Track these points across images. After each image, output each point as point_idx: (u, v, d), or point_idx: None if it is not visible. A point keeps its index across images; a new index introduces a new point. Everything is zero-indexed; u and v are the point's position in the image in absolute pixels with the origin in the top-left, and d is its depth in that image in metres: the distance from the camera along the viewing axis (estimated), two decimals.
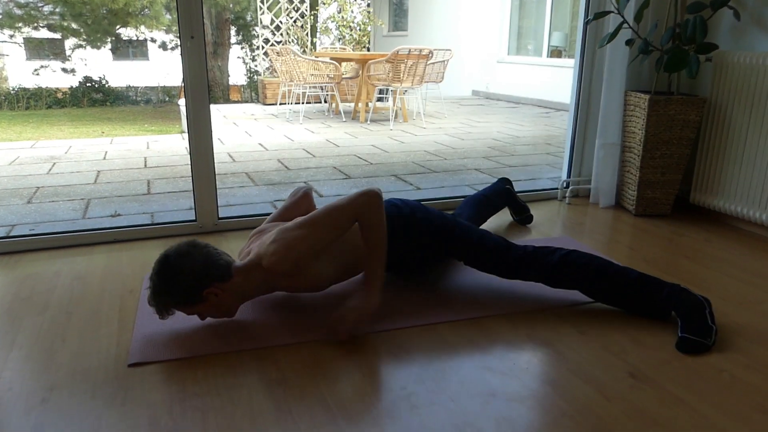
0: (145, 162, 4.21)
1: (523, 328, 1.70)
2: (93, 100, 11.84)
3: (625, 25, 2.59)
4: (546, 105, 8.12)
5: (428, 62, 6.09)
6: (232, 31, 13.53)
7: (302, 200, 2.01)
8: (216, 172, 2.44)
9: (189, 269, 1.55)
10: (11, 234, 2.57)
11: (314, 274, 1.65)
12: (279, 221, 1.90)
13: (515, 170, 3.96)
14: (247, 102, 10.32)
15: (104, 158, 4.35)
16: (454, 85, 9.96)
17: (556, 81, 8.22)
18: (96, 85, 11.90)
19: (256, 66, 10.26)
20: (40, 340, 1.62)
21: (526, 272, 1.82)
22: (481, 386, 1.42)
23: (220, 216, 2.51)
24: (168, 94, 12.96)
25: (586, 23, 2.82)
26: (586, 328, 1.71)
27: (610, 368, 1.51)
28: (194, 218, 2.47)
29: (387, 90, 6.94)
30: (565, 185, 3.10)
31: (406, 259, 1.92)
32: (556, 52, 8.82)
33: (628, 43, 2.66)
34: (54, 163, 4.14)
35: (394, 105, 6.46)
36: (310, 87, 6.70)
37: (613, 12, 2.61)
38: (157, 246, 2.33)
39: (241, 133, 5.63)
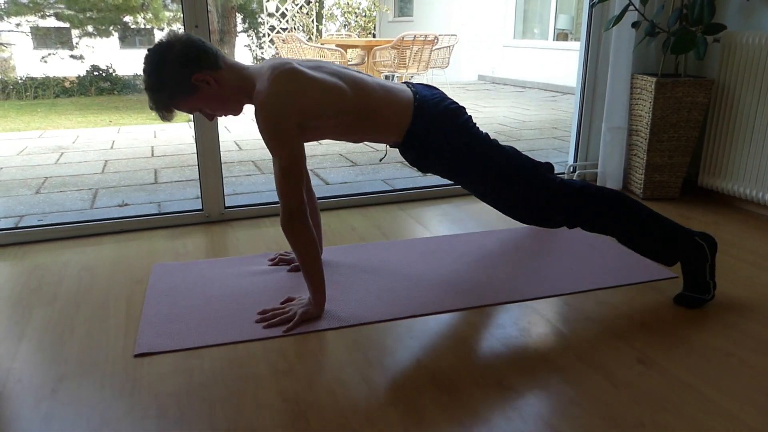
0: (152, 151, 4.22)
1: (529, 314, 1.70)
2: (100, 88, 11.85)
3: (631, 7, 2.55)
4: (552, 89, 8.05)
5: (434, 48, 6.04)
6: (239, 19, 13.46)
7: None
8: (222, 161, 2.44)
9: (172, 56, 1.51)
10: (20, 224, 2.59)
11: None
12: None
13: None
14: None
15: (111, 147, 4.36)
16: (460, 70, 9.89)
17: (563, 64, 8.15)
18: (103, 74, 11.90)
19: (262, 53, 10.21)
20: (49, 331, 1.63)
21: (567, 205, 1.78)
22: (487, 373, 1.42)
23: (226, 205, 2.52)
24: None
25: (591, 6, 2.79)
26: (593, 314, 1.71)
27: (617, 354, 1.50)
28: (201, 207, 2.48)
29: (393, 76, 6.89)
30: (571, 169, 3.08)
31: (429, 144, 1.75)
32: (562, 36, 8.72)
33: (635, 25, 2.62)
34: (62, 153, 4.16)
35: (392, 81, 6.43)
36: None
37: None
38: (164, 236, 2.34)
39: (247, 121, 5.62)
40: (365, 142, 1.77)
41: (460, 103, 1.82)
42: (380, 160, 2.44)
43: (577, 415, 1.27)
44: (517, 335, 1.60)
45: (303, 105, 1.57)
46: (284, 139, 1.55)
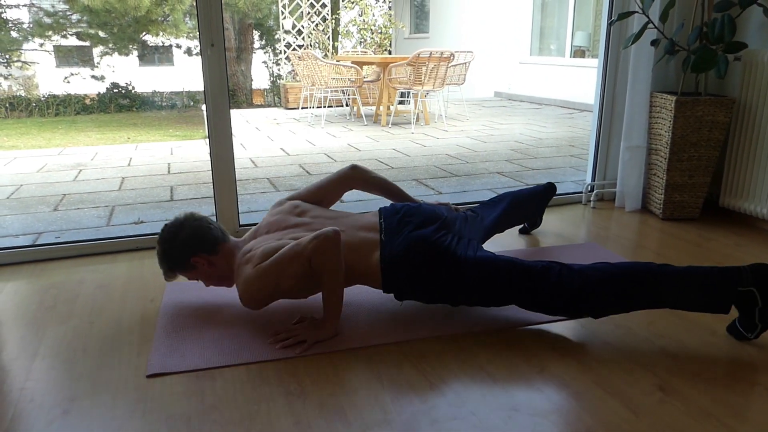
0: (169, 168, 4.25)
1: (546, 339, 1.67)
2: (120, 105, 12.05)
3: (650, 25, 2.53)
4: (569, 106, 8.02)
5: (450, 65, 6.05)
6: (255, 36, 13.64)
7: (346, 180, 2.00)
8: (238, 178, 2.44)
9: (178, 240, 1.79)
10: (38, 241, 2.62)
11: (283, 293, 1.71)
12: (311, 196, 1.99)
13: (538, 173, 3.91)
14: (269, 106, 10.39)
15: (129, 164, 4.41)
16: (476, 87, 9.90)
17: (580, 81, 8.12)
18: (123, 91, 12.10)
19: (279, 70, 10.32)
20: (63, 350, 1.63)
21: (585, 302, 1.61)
22: (503, 400, 1.39)
23: (241, 223, 2.52)
24: (192, 98, 13.12)
25: (609, 24, 2.77)
26: (612, 339, 1.67)
27: (637, 381, 1.46)
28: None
29: (408, 93, 6.91)
30: (589, 189, 3.04)
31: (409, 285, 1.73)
32: (579, 52, 8.70)
33: (654, 43, 2.60)
34: (80, 170, 4.21)
35: (415, 108, 6.43)
36: (331, 91, 6.71)
37: (637, 12, 2.55)
38: None
39: (263, 138, 5.66)
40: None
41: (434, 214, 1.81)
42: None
43: None
44: (532, 359, 1.56)
45: (275, 291, 1.70)
46: (264, 272, 1.67)
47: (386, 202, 2.44)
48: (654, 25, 2.54)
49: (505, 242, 2.44)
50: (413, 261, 1.69)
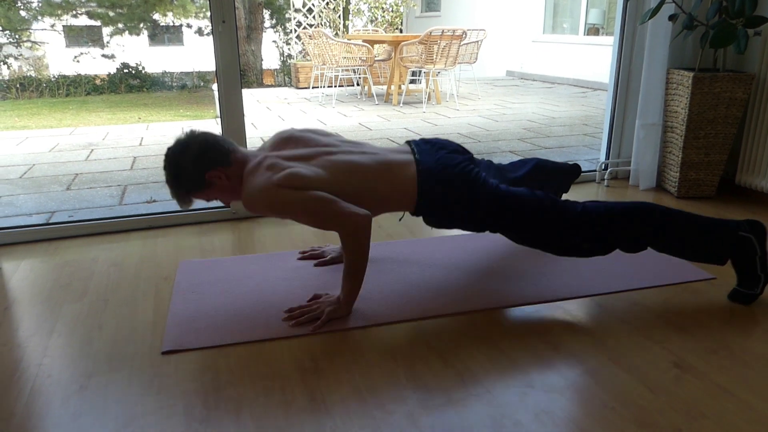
0: None
1: (560, 316, 1.66)
2: (130, 86, 12.05)
3: None
4: (582, 85, 7.91)
5: (461, 43, 5.97)
6: (266, 15, 13.54)
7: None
8: None
9: (189, 157, 1.65)
10: (51, 220, 2.63)
11: (285, 218, 1.68)
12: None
13: (551, 152, 3.87)
14: (280, 86, 10.34)
15: (140, 144, 4.41)
16: (489, 66, 9.79)
17: (593, 60, 8.00)
18: (133, 72, 12.09)
19: (289, 50, 10.25)
20: (78, 327, 1.65)
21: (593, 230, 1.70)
22: (518, 377, 1.39)
23: None
24: (203, 79, 13.09)
25: (626, 0, 2.71)
26: (627, 316, 1.66)
27: (653, 358, 1.45)
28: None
29: (420, 72, 6.85)
30: (603, 167, 3.01)
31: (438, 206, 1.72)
32: (593, 30, 8.56)
33: (671, 18, 2.54)
34: (92, 150, 4.22)
35: (427, 87, 6.38)
36: (342, 70, 6.66)
37: None
38: (191, 232, 2.35)
39: (274, 118, 5.64)
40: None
41: (461, 149, 1.80)
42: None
43: (611, 419, 1.23)
44: (548, 336, 1.55)
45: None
46: (288, 201, 1.59)
47: None
48: None
49: None
50: (449, 176, 1.68)
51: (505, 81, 8.97)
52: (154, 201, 2.91)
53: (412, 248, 2.14)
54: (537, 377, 1.38)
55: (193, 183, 1.67)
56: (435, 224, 1.78)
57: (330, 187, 1.62)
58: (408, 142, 1.81)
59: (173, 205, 2.81)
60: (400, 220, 2.18)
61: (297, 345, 1.54)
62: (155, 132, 4.96)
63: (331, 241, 2.23)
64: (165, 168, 1.69)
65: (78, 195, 3.05)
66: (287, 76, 10.63)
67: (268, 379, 1.39)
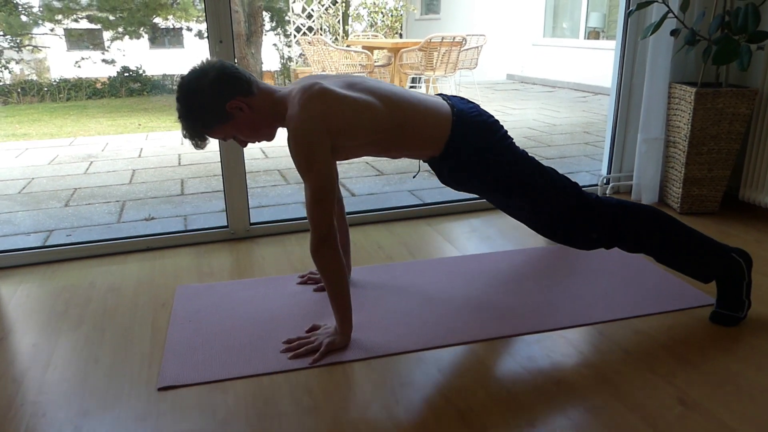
0: (179, 159, 4.23)
1: (563, 347, 1.63)
2: (131, 89, 12.04)
3: (670, 14, 2.45)
4: (583, 89, 7.88)
5: (461, 49, 5.95)
6: (266, 17, 13.51)
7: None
8: (248, 170, 2.40)
9: (206, 84, 1.48)
10: (49, 240, 2.61)
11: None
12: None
13: (553, 163, 3.84)
14: None
15: (139, 156, 4.39)
16: (488, 70, 9.76)
17: (594, 64, 7.96)
18: (133, 75, 12.08)
19: (289, 52, 10.23)
20: (74, 360, 1.62)
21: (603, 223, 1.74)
22: (519, 414, 1.36)
23: (252, 221, 2.49)
24: None
25: (627, 15, 2.68)
26: (630, 346, 1.63)
27: (657, 394, 1.43)
28: (226, 224, 2.46)
29: (420, 78, 6.82)
30: (605, 181, 2.98)
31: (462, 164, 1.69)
32: (593, 34, 8.53)
33: (674, 33, 2.51)
34: (91, 162, 4.20)
35: (426, 93, 6.35)
36: None
37: (657, 2, 2.47)
38: (189, 253, 2.33)
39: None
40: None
41: (493, 115, 1.76)
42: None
43: None
44: (550, 369, 1.53)
45: (335, 126, 1.52)
46: (316, 164, 1.50)
47: None
48: (674, 14, 2.46)
49: (521, 240, 2.40)
50: (483, 123, 1.67)
51: (506, 85, 8.94)
52: (153, 218, 2.89)
53: (412, 270, 2.11)
54: (537, 414, 1.36)
55: (212, 115, 1.50)
56: (454, 177, 1.71)
57: (365, 115, 1.54)
58: (439, 94, 1.78)
59: (171, 223, 2.80)
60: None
61: (295, 379, 1.51)
62: (154, 143, 4.94)
63: None
64: (178, 99, 1.51)
65: (76, 212, 3.03)
66: (287, 78, 10.61)
67: (266, 419, 1.37)
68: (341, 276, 1.58)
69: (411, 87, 6.98)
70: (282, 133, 1.62)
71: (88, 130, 6.42)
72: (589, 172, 3.60)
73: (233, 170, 2.38)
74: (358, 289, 1.97)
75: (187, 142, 1.60)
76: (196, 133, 1.54)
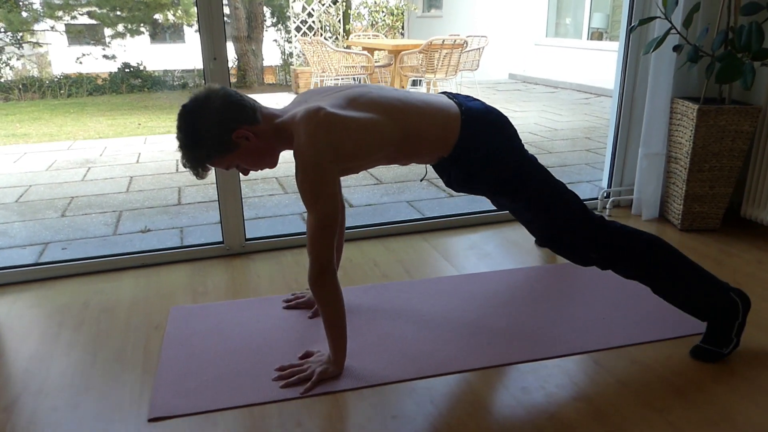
0: (177, 165, 4.21)
1: (557, 377, 1.61)
2: (131, 86, 12.01)
3: (673, 30, 2.41)
4: (585, 90, 7.83)
5: (463, 51, 5.91)
6: (267, 13, 13.45)
7: None
8: (245, 178, 2.39)
9: (210, 113, 1.44)
10: (45, 252, 2.60)
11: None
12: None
13: (553, 171, 3.79)
14: (281, 85, 10.28)
15: (137, 161, 4.37)
16: (491, 69, 9.71)
17: (597, 65, 7.91)
18: (134, 71, 12.05)
19: (291, 48, 10.18)
20: (66, 387, 1.61)
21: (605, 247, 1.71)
22: None
23: (247, 237, 2.47)
24: (202, 76, 13.06)
25: (629, 30, 2.64)
26: (626, 377, 1.61)
27: (652, 430, 1.41)
28: (221, 240, 2.44)
29: (420, 81, 6.78)
30: (605, 195, 2.95)
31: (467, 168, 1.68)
32: (596, 34, 8.47)
33: (676, 49, 2.48)
34: (89, 168, 4.18)
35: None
36: (342, 78, 6.60)
37: (659, 17, 2.43)
38: (184, 271, 2.31)
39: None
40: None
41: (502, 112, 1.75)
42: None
43: None
44: (543, 402, 1.51)
45: (345, 151, 1.50)
46: (323, 197, 1.47)
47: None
48: (677, 30, 2.42)
49: (520, 258, 2.38)
50: (492, 119, 1.65)
51: (508, 85, 8.89)
52: (149, 230, 2.87)
53: (408, 291, 2.09)
54: None
55: (217, 145, 1.45)
56: (460, 179, 1.69)
57: (372, 134, 1.52)
58: (443, 92, 1.77)
59: (167, 236, 2.78)
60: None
61: (287, 410, 1.50)
62: (152, 147, 4.92)
63: None
64: (180, 129, 1.46)
65: (72, 223, 3.01)
66: (288, 74, 10.57)
67: None
68: (339, 307, 1.56)
69: (413, 84, 6.94)
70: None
71: (87, 131, 6.41)
72: (590, 182, 3.57)
73: (228, 187, 2.36)
74: (353, 312, 1.96)
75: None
76: (198, 164, 1.49)
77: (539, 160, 1.77)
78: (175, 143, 1.50)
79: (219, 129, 1.45)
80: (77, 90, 11.62)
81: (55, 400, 1.56)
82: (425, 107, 1.61)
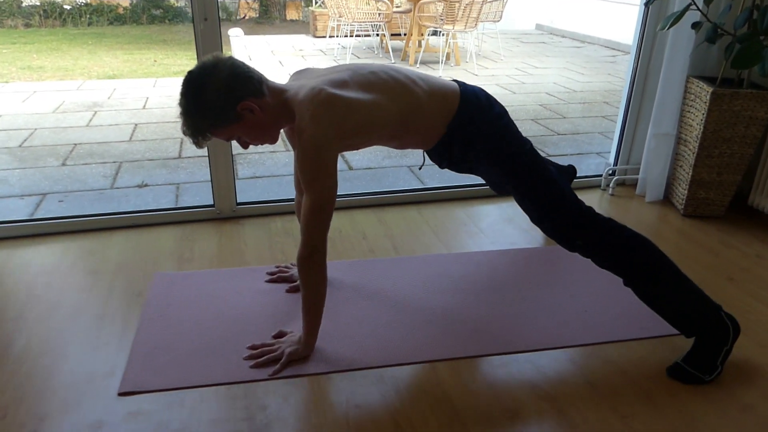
0: None
1: (526, 374, 1.60)
2: (152, 16, 11.83)
3: (693, 6, 2.26)
4: (613, 46, 7.51)
5: (486, 1, 5.66)
6: None
7: None
8: None
9: (217, 82, 1.42)
10: (41, 205, 2.62)
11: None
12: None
13: (565, 140, 3.70)
14: (300, 28, 10.03)
15: (144, 107, 4.34)
16: (517, 18, 9.32)
17: (627, 20, 7.55)
18: (155, 0, 11.83)
19: None
20: (43, 353, 1.65)
21: (592, 235, 1.65)
22: None
23: (239, 201, 2.46)
24: (226, 10, 12.75)
25: (646, 4, 2.49)
26: (597, 378, 1.60)
27: None
28: (212, 203, 2.43)
29: (439, 32, 6.55)
30: (610, 172, 2.86)
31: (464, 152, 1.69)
32: None
33: (695, 26, 2.33)
34: (95, 112, 4.16)
35: (446, 46, 6.11)
36: (358, 25, 6.40)
37: None
38: (173, 233, 2.32)
39: (284, 76, 5.49)
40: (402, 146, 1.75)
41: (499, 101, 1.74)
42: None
43: None
44: (508, 399, 1.51)
45: (347, 130, 1.49)
46: (322, 177, 1.46)
47: None
48: (697, 6, 2.27)
49: (510, 237, 2.34)
50: (490, 103, 1.67)
51: (533, 36, 8.55)
52: (146, 185, 2.87)
53: (392, 270, 2.08)
54: None
55: (221, 115, 1.44)
56: (456, 156, 1.70)
57: (373, 114, 1.52)
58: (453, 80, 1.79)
59: (163, 192, 2.78)
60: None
61: (253, 392, 1.52)
62: (161, 91, 4.88)
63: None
64: (184, 95, 1.43)
65: (72, 173, 3.02)
66: (309, 5, 10.28)
67: None
68: (321, 291, 1.56)
69: (433, 32, 6.72)
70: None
71: (102, 66, 6.36)
72: (600, 154, 3.47)
73: (219, 151, 2.33)
74: (333, 287, 1.96)
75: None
76: (199, 132, 1.46)
77: (551, 125, 1.75)
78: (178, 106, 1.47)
79: (224, 98, 1.43)
80: (98, 19, 11.49)
81: (32, 366, 1.60)
82: (423, 83, 1.62)
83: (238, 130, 1.50)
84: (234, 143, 2.12)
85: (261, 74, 1.52)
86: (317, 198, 1.47)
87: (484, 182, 2.75)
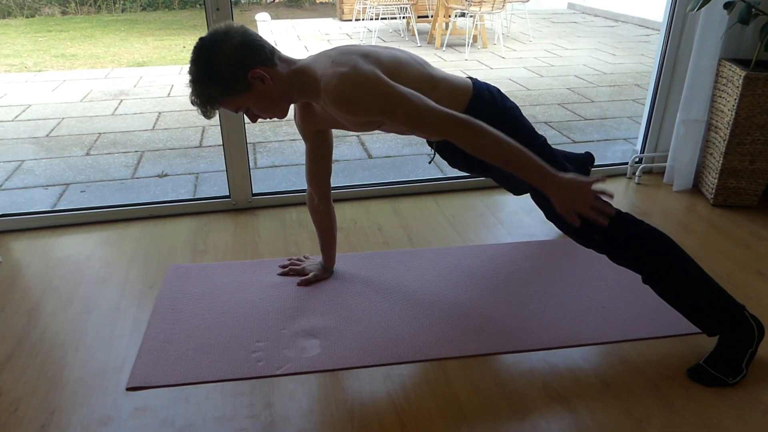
0: None
1: (538, 373, 1.56)
2: (184, 2, 11.92)
3: None
4: (648, 25, 7.23)
5: None
6: None
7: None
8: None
9: (228, 48, 1.38)
10: (64, 196, 2.66)
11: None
12: None
13: (591, 125, 3.59)
14: (327, 11, 9.96)
15: (168, 95, 4.37)
16: None
17: None
18: None
19: None
20: (56, 346, 1.67)
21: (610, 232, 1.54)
22: None
23: (255, 192, 2.46)
24: None
25: None
26: (612, 378, 1.54)
27: None
28: (228, 194, 2.43)
29: (465, 15, 6.41)
30: (637, 160, 2.76)
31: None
32: None
33: (727, 6, 2.21)
34: (121, 101, 4.21)
35: (472, 28, 5.98)
36: (383, 8, 6.31)
37: None
38: (189, 224, 2.33)
39: None
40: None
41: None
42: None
43: None
44: (519, 399, 1.47)
45: (381, 66, 1.44)
46: (391, 94, 1.37)
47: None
48: None
49: (528, 230, 2.28)
50: (503, 100, 1.65)
51: (565, 16, 8.31)
52: (166, 175, 2.89)
53: (408, 262, 2.05)
54: None
55: (231, 82, 1.40)
56: (463, 155, 1.70)
57: (401, 69, 1.49)
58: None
59: (182, 182, 2.79)
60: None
61: (258, 388, 1.52)
62: (187, 78, 4.90)
63: (312, 252, 2.14)
64: (194, 62, 1.40)
65: (95, 162, 3.06)
66: None
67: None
68: (498, 139, 1.37)
69: (461, 14, 6.58)
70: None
71: (132, 53, 6.45)
72: (627, 140, 3.35)
73: (234, 141, 2.32)
74: (345, 281, 1.94)
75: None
76: (209, 101, 1.42)
77: (578, 110, 1.69)
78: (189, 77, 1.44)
79: (235, 66, 1.39)
80: (131, 5, 11.63)
81: (45, 359, 1.63)
82: (438, 71, 1.61)
83: (247, 100, 1.46)
84: (244, 136, 2.10)
85: (273, 46, 1.48)
86: (408, 108, 1.37)
87: None
